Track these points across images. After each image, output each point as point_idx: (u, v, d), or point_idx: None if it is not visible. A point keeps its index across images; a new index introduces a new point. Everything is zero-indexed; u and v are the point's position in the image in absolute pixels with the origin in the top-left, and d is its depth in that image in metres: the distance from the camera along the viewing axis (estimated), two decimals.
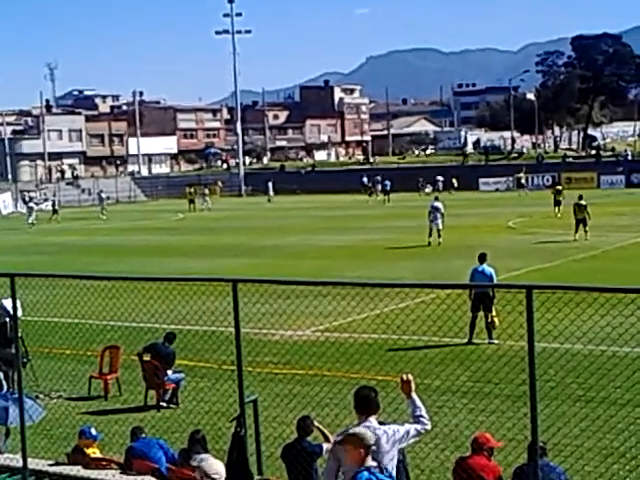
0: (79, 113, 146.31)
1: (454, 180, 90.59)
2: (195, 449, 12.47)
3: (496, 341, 20.94)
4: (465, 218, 57.92)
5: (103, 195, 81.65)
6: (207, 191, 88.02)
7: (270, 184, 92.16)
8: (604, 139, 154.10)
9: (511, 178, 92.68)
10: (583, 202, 43.80)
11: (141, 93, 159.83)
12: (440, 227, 43.72)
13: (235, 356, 9.60)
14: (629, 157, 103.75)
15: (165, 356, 18.39)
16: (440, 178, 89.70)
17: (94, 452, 13.30)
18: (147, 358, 18.47)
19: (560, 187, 59.75)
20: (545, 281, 26.60)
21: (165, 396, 18.17)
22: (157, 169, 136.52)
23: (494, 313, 21.35)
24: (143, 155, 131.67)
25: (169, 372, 18.45)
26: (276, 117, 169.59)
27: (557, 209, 54.41)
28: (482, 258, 23.55)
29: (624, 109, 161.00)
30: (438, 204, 44.70)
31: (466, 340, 20.83)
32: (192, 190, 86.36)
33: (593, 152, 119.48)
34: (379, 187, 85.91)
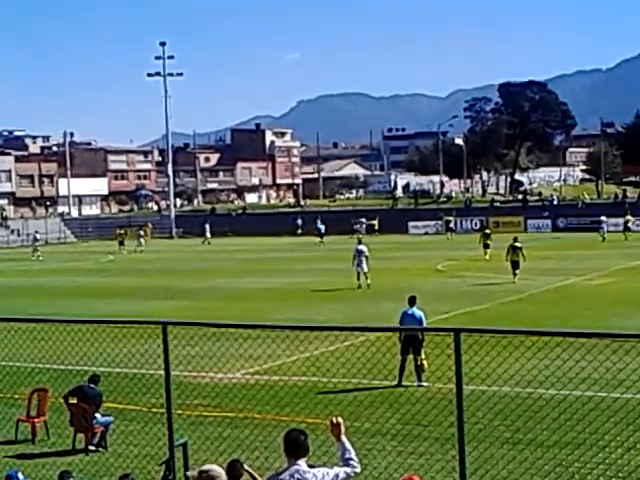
0: (8, 153, 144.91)
1: (375, 223, 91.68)
2: None
3: (425, 384, 21.04)
4: (395, 261, 58.31)
5: (38, 236, 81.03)
6: (142, 232, 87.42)
7: (207, 226, 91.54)
8: (531, 184, 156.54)
9: (440, 222, 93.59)
10: (518, 244, 44.46)
11: (72, 134, 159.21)
12: (365, 270, 43.77)
13: (165, 399, 9.58)
14: (555, 202, 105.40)
15: (92, 398, 18.20)
16: (363, 220, 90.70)
17: None
18: (74, 401, 18.26)
19: (488, 231, 60.83)
20: (473, 324, 26.88)
21: (94, 439, 17.96)
22: (87, 210, 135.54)
23: (423, 356, 21.38)
24: (73, 196, 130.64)
25: (98, 415, 18.26)
26: (207, 159, 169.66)
27: (486, 252, 55.75)
28: (412, 301, 23.68)
29: (550, 155, 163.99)
30: (362, 247, 44.61)
31: (395, 383, 20.94)
32: (123, 231, 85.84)
33: (520, 197, 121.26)
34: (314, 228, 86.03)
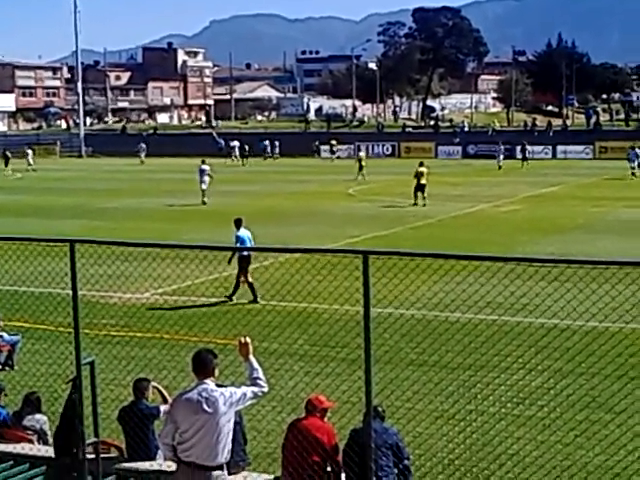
0: None
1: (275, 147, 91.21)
2: (28, 410, 12.34)
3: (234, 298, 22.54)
4: (306, 184, 58.40)
5: None
6: (30, 151, 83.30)
7: (143, 145, 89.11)
8: (442, 110, 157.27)
9: (352, 146, 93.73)
10: (424, 169, 45.02)
11: None
12: (204, 188, 47.75)
13: (72, 318, 9.52)
14: (466, 129, 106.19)
15: None
16: (266, 143, 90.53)
17: None
18: None
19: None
20: (382, 248, 27.13)
21: (0, 358, 17.83)
22: None
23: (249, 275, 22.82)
24: None
25: (4, 334, 18.10)
26: (118, 78, 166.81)
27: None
28: (238, 223, 24.06)
29: (462, 81, 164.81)
30: (205, 167, 48.83)
31: (304, 304, 21.12)
32: (8, 152, 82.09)
33: (432, 123, 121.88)
34: (235, 151, 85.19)
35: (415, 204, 44.49)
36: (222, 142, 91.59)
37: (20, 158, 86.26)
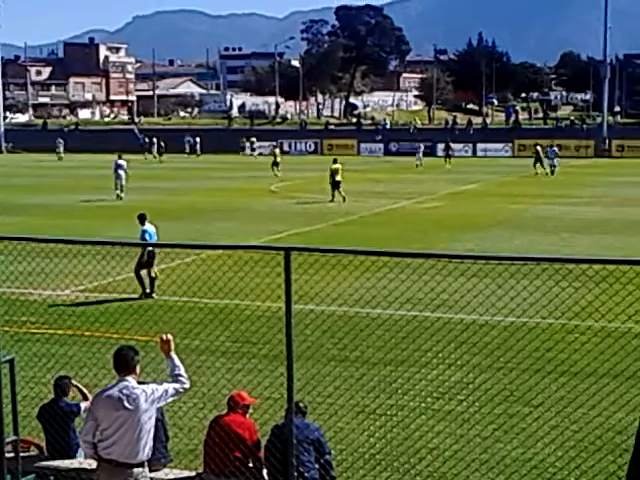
0: None
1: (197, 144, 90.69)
2: None
3: (155, 295, 22.59)
4: (229, 181, 58.31)
5: None
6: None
7: (61, 140, 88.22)
8: (365, 108, 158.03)
9: (275, 143, 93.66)
10: (337, 165, 45.46)
11: None
12: (123, 183, 48.41)
13: None
14: (387, 126, 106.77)
15: None
16: (190, 140, 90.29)
17: None
18: None
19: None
20: (305, 244, 27.20)
21: None
22: None
23: (155, 269, 22.98)
24: None
25: None
26: (39, 73, 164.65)
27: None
28: (142, 218, 24.28)
29: (384, 79, 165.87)
30: (121, 162, 49.50)
31: (227, 301, 21.11)
32: None
33: (354, 120, 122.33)
34: (154, 147, 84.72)
35: (332, 200, 44.87)
36: (143, 138, 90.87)
37: None
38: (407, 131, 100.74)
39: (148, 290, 22.96)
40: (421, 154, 74.28)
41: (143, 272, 23.16)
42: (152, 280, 23.10)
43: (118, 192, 47.96)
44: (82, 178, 62.38)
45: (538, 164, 63.55)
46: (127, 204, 44.97)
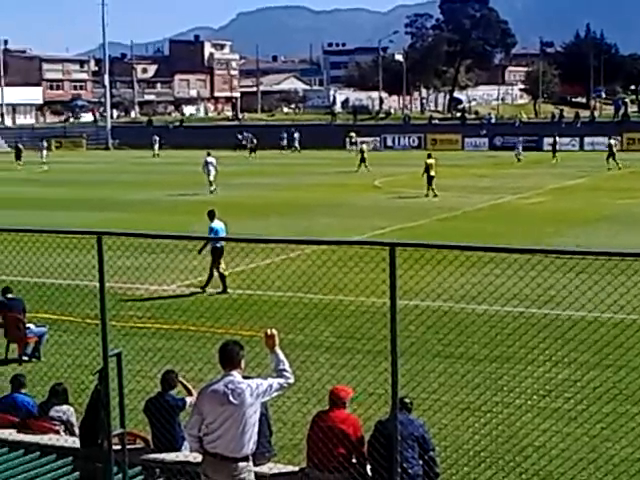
0: None
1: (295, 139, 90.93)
2: (55, 401, 12.40)
3: (230, 290, 22.94)
4: (332, 177, 58.38)
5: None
6: (45, 144, 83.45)
7: (156, 138, 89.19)
8: (469, 102, 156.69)
9: (378, 138, 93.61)
10: (431, 160, 45.51)
11: (6, 41, 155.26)
12: (212, 179, 49.52)
13: (99, 310, 9.55)
14: (492, 120, 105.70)
15: (17, 307, 18.08)
16: (287, 135, 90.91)
17: None
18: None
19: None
20: (409, 239, 27.10)
21: (27, 349, 17.93)
22: (22, 120, 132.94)
23: (223, 265, 23.21)
24: (7, 105, 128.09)
25: (31, 325, 18.19)
26: (145, 71, 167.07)
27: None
28: (212, 215, 24.37)
29: (489, 73, 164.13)
30: (211, 159, 50.52)
31: (331, 296, 21.13)
32: (20, 145, 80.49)
33: (458, 115, 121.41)
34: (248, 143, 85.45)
35: (427, 195, 45.19)
36: (249, 135, 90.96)
37: (47, 150, 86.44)
38: (512, 125, 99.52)
39: (221, 288, 23.36)
40: (520, 148, 73.06)
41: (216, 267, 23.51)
42: (222, 276, 23.45)
43: (211, 188, 49.06)
44: (186, 174, 63.03)
45: (610, 159, 61.77)
46: (231, 200, 45.36)
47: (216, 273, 23.55)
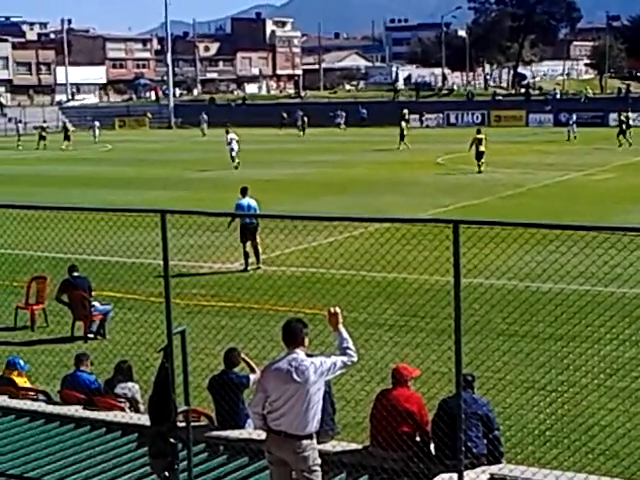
0: (5, 40, 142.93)
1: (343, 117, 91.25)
2: (120, 378, 12.52)
3: (262, 266, 23.40)
4: (395, 154, 58.16)
5: (45, 125, 78.93)
6: (98, 123, 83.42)
7: (204, 116, 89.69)
8: (533, 78, 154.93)
9: (441, 115, 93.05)
10: (481, 135, 45.42)
11: (69, 21, 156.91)
12: (234, 154, 51.54)
13: (163, 288, 9.59)
14: (557, 96, 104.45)
15: (83, 286, 18.27)
16: (340, 112, 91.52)
17: (25, 382, 13.30)
18: (65, 299, 18.32)
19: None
20: (472, 217, 26.92)
21: (92, 327, 18.12)
22: (85, 99, 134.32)
23: (258, 240, 23.50)
24: (71, 84, 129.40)
25: (96, 303, 18.38)
26: (207, 49, 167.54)
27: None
28: (244, 192, 24.40)
29: (554, 48, 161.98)
30: (232, 135, 52.57)
31: (393, 275, 21.06)
32: (43, 125, 78.84)
33: (522, 90, 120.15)
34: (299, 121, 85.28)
35: (479, 172, 45.10)
36: (300, 114, 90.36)
37: (109, 129, 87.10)
38: (578, 101, 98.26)
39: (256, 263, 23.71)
40: (574, 126, 69.25)
41: (247, 246, 23.71)
42: (257, 252, 23.74)
43: (234, 163, 51.11)
44: (248, 153, 63.17)
45: (621, 135, 60.06)
46: (292, 178, 45.41)
47: (247, 249, 23.75)
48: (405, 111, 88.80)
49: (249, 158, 56.37)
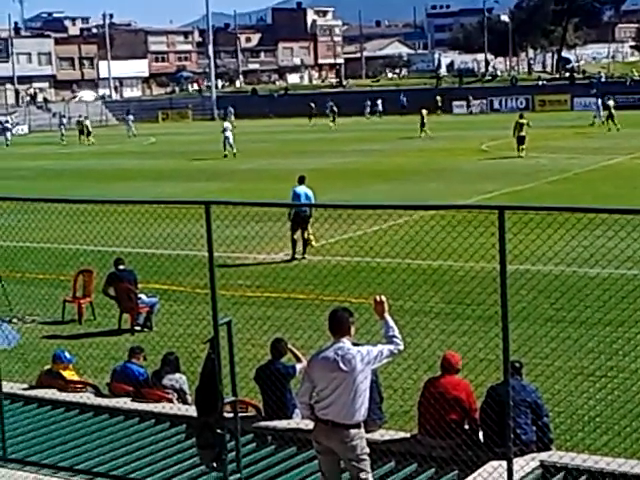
0: (48, 36, 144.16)
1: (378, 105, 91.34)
2: (168, 370, 12.58)
3: (307, 256, 23.19)
4: (438, 141, 57.89)
5: (87, 122, 78.66)
6: (132, 117, 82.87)
7: (231, 109, 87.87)
8: (578, 61, 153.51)
9: (485, 101, 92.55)
10: (524, 120, 45.25)
11: (111, 15, 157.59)
12: (231, 143, 53.28)
13: (208, 279, 9.60)
14: (602, 79, 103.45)
15: (128, 279, 18.35)
16: (378, 102, 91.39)
17: (72, 375, 13.39)
18: (112, 293, 18.40)
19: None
20: (517, 203, 26.73)
21: (139, 319, 18.21)
22: (128, 92, 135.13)
23: (310, 231, 23.26)
24: (114, 78, 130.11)
25: (143, 295, 18.47)
26: (248, 40, 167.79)
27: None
28: (301, 180, 24.27)
29: (598, 31, 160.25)
30: (226, 124, 55.35)
31: (439, 262, 20.96)
32: (83, 119, 77.55)
33: (567, 74, 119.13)
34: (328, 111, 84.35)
35: (520, 156, 44.97)
36: (331, 103, 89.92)
37: (153, 122, 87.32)
38: (624, 84, 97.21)
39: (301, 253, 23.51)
40: (601, 111, 65.20)
41: (297, 234, 23.56)
42: (305, 242, 23.57)
43: (234, 151, 52.91)
44: (290, 143, 63.19)
45: (610, 120, 59.44)
46: (338, 167, 45.35)
47: (296, 237, 23.65)
48: (438, 98, 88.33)
49: (288, 148, 56.45)
